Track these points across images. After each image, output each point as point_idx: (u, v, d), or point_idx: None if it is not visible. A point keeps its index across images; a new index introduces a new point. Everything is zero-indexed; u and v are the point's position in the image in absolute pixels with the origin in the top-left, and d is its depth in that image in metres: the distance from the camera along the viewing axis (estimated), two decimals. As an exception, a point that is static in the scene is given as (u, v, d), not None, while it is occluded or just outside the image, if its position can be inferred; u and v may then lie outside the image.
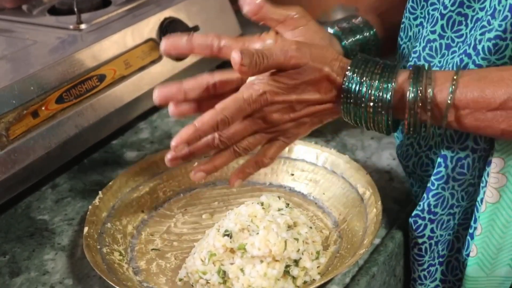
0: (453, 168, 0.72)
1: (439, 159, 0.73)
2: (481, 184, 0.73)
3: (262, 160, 0.73)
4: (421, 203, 0.75)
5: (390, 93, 0.67)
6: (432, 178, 0.74)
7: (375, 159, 0.91)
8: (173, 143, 0.67)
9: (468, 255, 0.76)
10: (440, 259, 0.79)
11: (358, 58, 0.69)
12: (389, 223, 0.79)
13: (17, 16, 1.05)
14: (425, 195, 0.75)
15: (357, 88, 0.67)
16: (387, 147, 0.94)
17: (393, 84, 0.67)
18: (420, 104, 0.66)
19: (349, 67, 0.68)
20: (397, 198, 0.84)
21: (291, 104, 0.69)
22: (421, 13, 0.78)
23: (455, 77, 0.65)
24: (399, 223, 0.80)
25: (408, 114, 0.67)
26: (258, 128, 0.70)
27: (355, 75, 0.68)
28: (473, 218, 0.75)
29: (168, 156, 0.70)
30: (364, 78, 0.67)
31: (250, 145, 0.71)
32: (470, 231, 0.76)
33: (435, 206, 0.74)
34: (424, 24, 0.77)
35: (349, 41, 0.83)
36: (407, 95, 0.66)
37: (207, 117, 0.66)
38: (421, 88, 0.66)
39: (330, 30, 0.84)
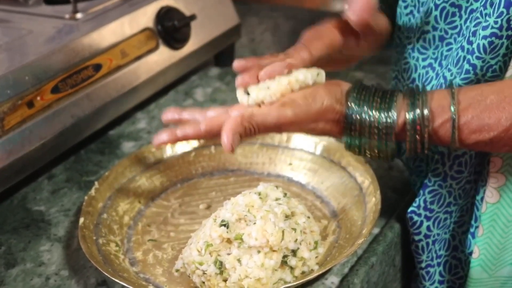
0: (451, 166, 0.72)
1: (436, 156, 0.72)
2: (481, 183, 0.72)
3: None
4: (417, 199, 0.74)
5: (393, 120, 0.65)
6: (430, 174, 0.73)
7: (374, 148, 0.90)
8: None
9: (470, 253, 0.75)
10: (438, 260, 0.78)
11: (354, 96, 0.67)
12: (388, 212, 0.79)
13: (13, 5, 1.04)
14: (421, 191, 0.74)
15: (359, 118, 0.66)
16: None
17: (394, 111, 0.65)
18: (419, 131, 0.65)
19: (348, 104, 0.67)
20: (396, 187, 0.83)
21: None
22: (412, 1, 0.76)
23: (453, 109, 0.64)
24: (398, 213, 0.79)
25: (409, 138, 0.66)
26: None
27: (356, 107, 0.66)
28: (473, 217, 0.74)
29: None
30: (365, 109, 0.66)
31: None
32: (471, 230, 0.75)
33: (431, 203, 0.74)
34: (415, 13, 0.76)
35: None
36: (407, 121, 0.65)
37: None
38: (419, 118, 0.65)
39: None
